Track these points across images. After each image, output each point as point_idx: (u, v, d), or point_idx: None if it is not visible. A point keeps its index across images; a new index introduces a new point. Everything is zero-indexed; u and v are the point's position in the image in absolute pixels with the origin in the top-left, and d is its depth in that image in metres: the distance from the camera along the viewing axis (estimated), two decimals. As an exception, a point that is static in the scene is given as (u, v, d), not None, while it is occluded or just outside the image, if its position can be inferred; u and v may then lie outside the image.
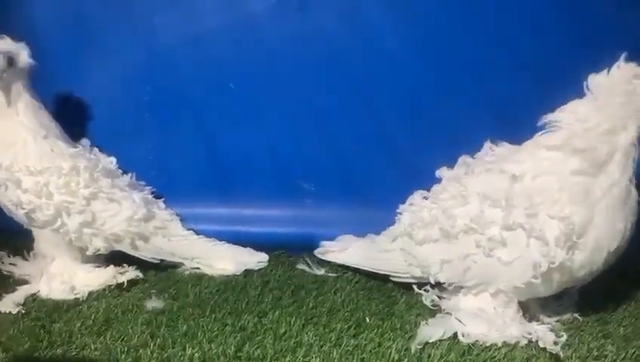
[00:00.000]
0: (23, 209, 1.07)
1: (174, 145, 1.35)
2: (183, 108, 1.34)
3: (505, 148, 1.04)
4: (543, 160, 0.94)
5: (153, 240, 1.17)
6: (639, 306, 1.08)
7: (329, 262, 1.23)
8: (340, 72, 1.28)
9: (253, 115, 1.32)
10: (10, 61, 1.05)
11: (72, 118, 1.26)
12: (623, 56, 0.91)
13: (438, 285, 1.03)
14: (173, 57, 1.30)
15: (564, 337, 0.93)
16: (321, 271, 1.22)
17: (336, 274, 1.20)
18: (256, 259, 1.23)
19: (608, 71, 0.91)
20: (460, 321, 0.95)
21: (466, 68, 1.26)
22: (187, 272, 1.20)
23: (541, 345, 0.89)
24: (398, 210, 1.13)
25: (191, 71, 1.31)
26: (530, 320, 0.99)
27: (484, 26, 1.24)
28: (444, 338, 0.93)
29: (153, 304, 1.05)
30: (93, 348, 0.89)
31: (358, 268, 1.19)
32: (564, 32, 1.23)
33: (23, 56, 1.07)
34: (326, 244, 1.24)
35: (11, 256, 1.19)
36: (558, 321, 1.01)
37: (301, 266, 1.24)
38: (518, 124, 1.05)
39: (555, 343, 0.91)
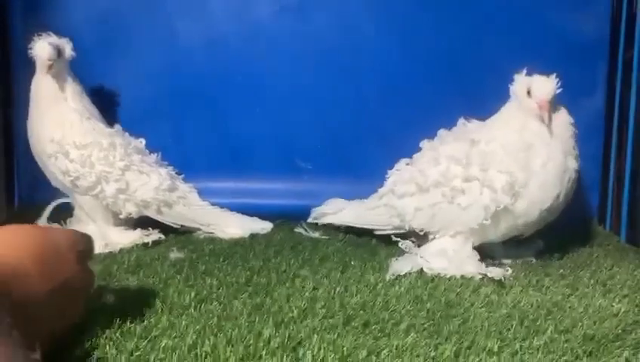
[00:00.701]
0: (69, 176, 1.29)
1: (191, 129, 1.57)
2: (198, 97, 1.57)
3: (474, 123, 1.28)
4: (494, 132, 1.19)
5: (176, 208, 1.38)
6: (578, 255, 1.29)
7: (322, 228, 1.44)
8: (332, 65, 1.54)
9: (258, 103, 1.56)
10: (59, 52, 1.28)
11: (102, 106, 1.48)
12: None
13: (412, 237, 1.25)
14: (189, 53, 1.54)
15: (510, 271, 1.14)
16: (316, 234, 1.43)
17: (328, 237, 1.41)
18: (261, 226, 1.45)
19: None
20: (425, 259, 1.16)
21: (441, 56, 1.52)
22: (202, 236, 1.41)
23: (489, 275, 1.10)
24: (386, 176, 1.35)
25: (205, 65, 1.55)
26: (492, 263, 1.20)
27: (457, 15, 1.51)
28: (412, 271, 1.14)
29: (176, 255, 1.25)
30: (130, 280, 1.09)
31: (348, 230, 1.40)
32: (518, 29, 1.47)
33: (68, 48, 1.30)
34: (320, 209, 1.45)
35: (50, 222, 1.39)
36: (513, 263, 1.22)
37: (298, 230, 1.45)
38: (485, 104, 1.28)
39: (503, 276, 1.12)
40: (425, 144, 1.30)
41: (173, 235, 1.40)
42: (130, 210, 1.33)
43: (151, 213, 1.36)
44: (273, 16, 1.52)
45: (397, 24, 1.51)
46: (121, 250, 1.29)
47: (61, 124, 1.29)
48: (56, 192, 1.44)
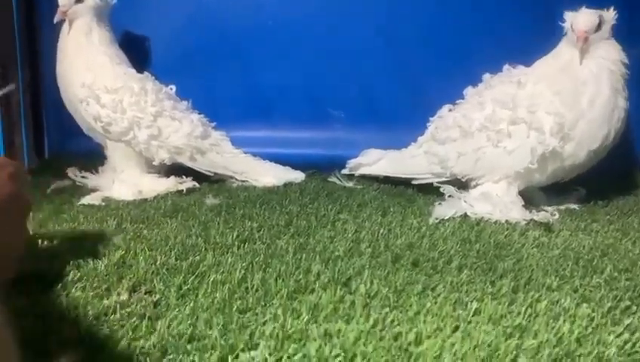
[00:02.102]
0: (101, 122, 1.26)
1: (221, 79, 1.54)
2: (229, 47, 1.53)
3: (520, 69, 1.23)
4: (542, 72, 1.14)
5: (209, 155, 1.35)
6: (624, 203, 1.25)
7: (355, 178, 1.41)
8: (365, 13, 1.47)
9: (289, 52, 1.51)
10: None
11: (131, 57, 1.45)
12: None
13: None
14: (220, 2, 1.48)
15: (557, 215, 1.10)
16: (350, 184, 1.40)
17: (362, 186, 1.38)
18: (294, 175, 1.42)
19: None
20: (469, 203, 1.12)
21: (479, 8, 1.44)
22: (235, 184, 1.39)
23: (535, 218, 1.07)
24: (420, 125, 1.31)
25: (236, 14, 1.50)
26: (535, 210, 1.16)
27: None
28: (456, 216, 1.11)
29: (211, 201, 1.23)
30: (168, 223, 1.07)
31: (382, 181, 1.37)
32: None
33: None
34: (356, 160, 1.42)
35: (83, 171, 1.38)
36: (557, 210, 1.19)
37: (332, 180, 1.42)
38: (522, 53, 1.23)
39: (550, 220, 1.08)
40: (469, 90, 1.26)
41: (207, 183, 1.37)
42: (163, 156, 1.30)
43: (184, 160, 1.33)
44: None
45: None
46: (155, 197, 1.27)
47: (91, 69, 1.26)
48: (86, 141, 1.43)
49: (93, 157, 1.39)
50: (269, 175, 1.40)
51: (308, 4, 1.50)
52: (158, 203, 1.22)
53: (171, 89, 1.39)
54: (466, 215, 1.12)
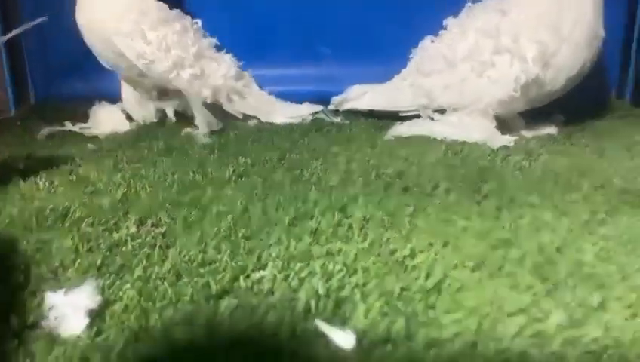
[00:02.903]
0: (144, 60, 1.23)
1: (211, 14, 1.51)
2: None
3: None
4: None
5: (243, 96, 1.37)
6: (599, 127, 1.31)
7: (342, 113, 1.43)
8: None
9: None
10: None
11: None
12: None
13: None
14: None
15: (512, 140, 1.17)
16: (337, 119, 1.43)
17: (349, 121, 1.41)
18: (313, 109, 1.43)
19: None
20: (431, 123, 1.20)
21: None
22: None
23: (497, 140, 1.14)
24: (409, 56, 1.33)
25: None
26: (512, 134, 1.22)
27: None
28: (415, 134, 1.20)
29: (203, 140, 1.26)
30: (164, 162, 1.10)
31: (368, 115, 1.40)
32: None
33: None
34: (340, 96, 1.44)
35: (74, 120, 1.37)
36: (535, 136, 1.24)
37: (319, 116, 1.44)
38: None
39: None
40: (450, 20, 1.27)
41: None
42: (206, 94, 1.30)
43: (222, 100, 1.34)
44: None
45: None
46: (148, 136, 1.28)
47: (135, 4, 1.21)
48: (70, 85, 1.43)
49: (78, 100, 1.40)
50: (289, 113, 1.41)
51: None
52: (150, 143, 1.24)
53: (198, 24, 1.35)
54: (450, 143, 1.16)
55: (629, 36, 1.49)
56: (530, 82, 1.13)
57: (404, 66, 1.38)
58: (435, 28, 1.33)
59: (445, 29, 1.27)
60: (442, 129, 1.20)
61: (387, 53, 1.48)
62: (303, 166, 1.05)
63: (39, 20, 1.11)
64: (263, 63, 1.49)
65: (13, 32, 1.13)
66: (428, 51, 1.26)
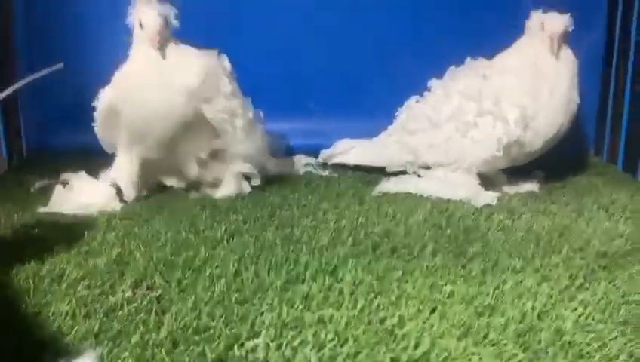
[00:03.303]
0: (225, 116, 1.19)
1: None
2: (207, 35, 1.55)
3: (481, 61, 1.31)
4: (507, 64, 1.25)
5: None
6: (578, 184, 1.36)
7: (330, 166, 1.48)
8: (342, 4, 1.54)
9: (267, 41, 1.56)
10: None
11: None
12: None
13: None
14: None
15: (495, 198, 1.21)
16: (326, 173, 1.47)
17: (338, 174, 1.45)
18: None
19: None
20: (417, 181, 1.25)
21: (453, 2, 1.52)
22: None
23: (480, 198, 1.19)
24: (395, 113, 1.39)
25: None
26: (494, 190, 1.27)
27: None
28: (401, 191, 1.25)
29: (193, 195, 1.28)
30: (156, 219, 1.12)
31: (356, 168, 1.44)
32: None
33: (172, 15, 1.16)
34: (328, 150, 1.48)
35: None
36: (516, 192, 1.29)
37: (308, 169, 1.48)
38: (488, 43, 1.32)
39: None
40: (434, 82, 1.34)
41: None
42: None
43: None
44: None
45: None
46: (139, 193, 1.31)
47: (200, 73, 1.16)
48: (63, 138, 1.46)
49: (71, 154, 1.43)
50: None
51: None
52: (140, 199, 1.26)
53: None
54: (437, 201, 1.21)
55: (604, 98, 1.56)
56: (511, 143, 1.19)
57: (391, 122, 1.43)
58: (419, 87, 1.39)
59: (429, 90, 1.33)
60: (428, 186, 1.25)
61: (374, 110, 1.54)
62: (294, 224, 1.08)
63: (56, 67, 1.09)
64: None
65: (31, 78, 1.11)
66: (413, 110, 1.32)
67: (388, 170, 1.38)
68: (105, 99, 1.19)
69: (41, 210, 1.15)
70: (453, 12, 1.54)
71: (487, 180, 1.31)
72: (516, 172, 1.34)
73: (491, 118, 1.19)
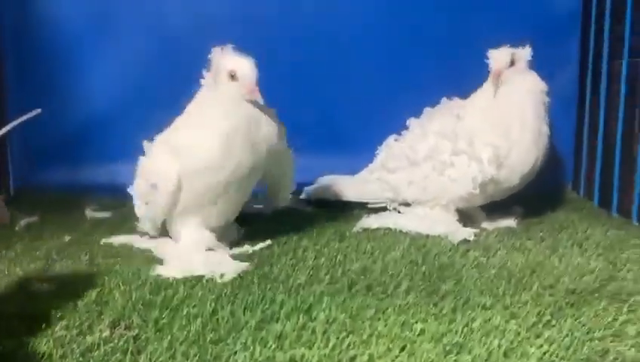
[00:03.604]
0: None
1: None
2: (188, 79, 1.60)
3: (456, 101, 1.36)
4: (477, 106, 1.30)
5: None
6: (556, 220, 1.39)
7: (313, 202, 1.50)
8: (321, 44, 1.61)
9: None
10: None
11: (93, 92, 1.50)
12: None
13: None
14: (178, 35, 1.57)
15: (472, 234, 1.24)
16: (309, 208, 1.50)
17: (320, 210, 1.48)
18: None
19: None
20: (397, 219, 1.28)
21: (423, 36, 1.60)
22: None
23: (458, 234, 1.22)
24: (375, 152, 1.43)
25: (195, 45, 1.57)
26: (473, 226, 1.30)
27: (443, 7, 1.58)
28: (381, 227, 1.28)
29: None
30: (138, 257, 1.14)
31: (338, 204, 1.47)
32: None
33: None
34: (312, 187, 1.51)
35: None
36: (495, 228, 1.31)
37: (293, 206, 1.51)
38: (466, 80, 1.37)
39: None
40: (412, 122, 1.38)
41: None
42: None
43: None
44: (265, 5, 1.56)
45: (382, 6, 1.57)
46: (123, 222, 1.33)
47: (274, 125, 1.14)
48: (51, 175, 1.48)
49: (57, 190, 1.45)
50: None
51: (269, 33, 1.59)
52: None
53: None
54: (414, 237, 1.23)
55: (580, 134, 1.61)
56: (487, 181, 1.22)
57: (372, 159, 1.46)
58: (399, 125, 1.43)
59: (407, 128, 1.37)
60: (407, 222, 1.28)
61: (356, 147, 1.58)
62: (273, 262, 1.10)
63: (33, 114, 1.12)
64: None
65: (8, 127, 1.14)
66: (392, 149, 1.36)
67: (369, 206, 1.41)
68: (172, 175, 1.06)
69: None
70: (430, 52, 1.58)
71: (466, 216, 1.34)
72: (495, 208, 1.37)
73: (466, 158, 1.23)
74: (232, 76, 1.06)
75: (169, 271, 1.03)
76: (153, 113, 1.52)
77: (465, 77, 1.40)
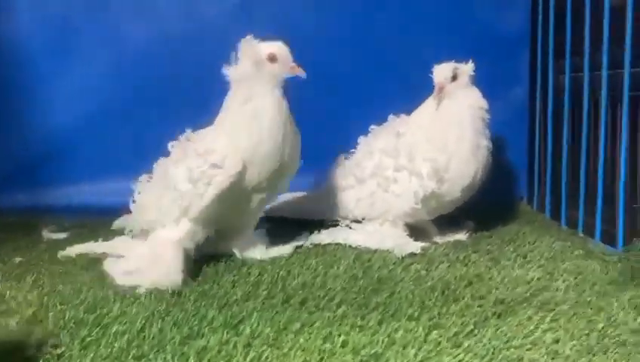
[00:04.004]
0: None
1: (143, 132, 1.63)
2: (147, 100, 1.63)
3: (401, 118, 1.38)
4: (417, 122, 1.33)
5: None
6: (507, 233, 1.40)
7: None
8: None
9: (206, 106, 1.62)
10: None
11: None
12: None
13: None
14: (138, 55, 1.59)
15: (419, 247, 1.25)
16: (265, 226, 1.50)
17: (268, 226, 1.44)
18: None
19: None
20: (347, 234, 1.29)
21: (373, 51, 1.63)
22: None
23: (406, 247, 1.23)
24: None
25: (155, 67, 1.61)
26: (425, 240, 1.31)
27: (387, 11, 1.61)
28: (332, 243, 1.30)
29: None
30: (84, 276, 1.15)
31: (291, 221, 1.48)
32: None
33: None
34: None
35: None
36: (445, 242, 1.33)
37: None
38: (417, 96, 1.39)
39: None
40: (361, 139, 1.41)
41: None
42: None
43: None
44: (221, 18, 1.58)
45: (332, 24, 1.61)
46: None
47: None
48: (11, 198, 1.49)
49: (18, 215, 1.46)
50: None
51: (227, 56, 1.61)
52: (75, 257, 1.29)
53: None
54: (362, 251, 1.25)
55: (532, 150, 1.63)
56: (428, 195, 1.24)
57: (325, 177, 1.48)
58: (351, 144, 1.45)
59: (356, 147, 1.40)
60: (358, 237, 1.29)
61: (311, 165, 1.59)
62: (216, 279, 1.11)
63: None
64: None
65: None
66: (342, 168, 1.38)
67: (324, 222, 1.42)
68: (237, 157, 1.11)
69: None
70: (384, 71, 1.61)
71: (418, 231, 1.35)
72: (448, 222, 1.38)
73: (407, 173, 1.25)
74: (272, 59, 1.13)
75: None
76: (111, 134, 1.56)
77: (418, 95, 1.42)
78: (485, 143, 1.29)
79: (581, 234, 1.34)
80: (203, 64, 1.58)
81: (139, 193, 1.27)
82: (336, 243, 1.31)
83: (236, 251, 1.23)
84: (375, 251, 1.26)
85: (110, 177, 1.58)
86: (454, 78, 1.30)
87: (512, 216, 1.53)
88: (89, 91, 1.61)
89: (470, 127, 1.27)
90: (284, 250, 1.25)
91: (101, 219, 1.43)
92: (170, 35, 1.60)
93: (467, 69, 1.30)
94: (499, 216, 1.50)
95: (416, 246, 1.25)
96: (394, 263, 1.18)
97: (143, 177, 1.29)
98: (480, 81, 1.35)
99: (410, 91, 1.51)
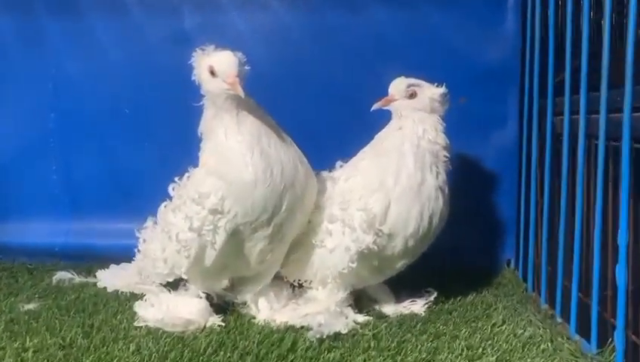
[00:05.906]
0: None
1: (78, 167, 1.48)
2: (85, 133, 1.49)
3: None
4: (354, 165, 1.10)
5: None
6: (476, 307, 1.17)
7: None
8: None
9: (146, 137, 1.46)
10: None
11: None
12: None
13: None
14: (75, 87, 1.45)
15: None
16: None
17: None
18: None
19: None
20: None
21: (338, 88, 1.41)
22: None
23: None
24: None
25: (91, 99, 1.47)
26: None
27: (353, 45, 1.41)
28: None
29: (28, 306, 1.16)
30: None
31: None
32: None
33: None
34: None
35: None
36: (398, 315, 1.11)
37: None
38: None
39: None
40: None
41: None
42: None
43: None
44: (161, 48, 1.43)
45: (289, 57, 1.41)
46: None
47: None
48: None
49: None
50: None
51: (167, 85, 1.44)
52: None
53: None
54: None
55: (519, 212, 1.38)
56: (364, 251, 1.01)
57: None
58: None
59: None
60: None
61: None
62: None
63: None
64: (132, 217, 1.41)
65: None
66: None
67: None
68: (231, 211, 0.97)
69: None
70: (345, 102, 1.40)
71: (371, 299, 1.15)
72: (412, 291, 1.17)
73: (340, 224, 1.03)
74: (212, 72, 0.96)
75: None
76: (44, 168, 1.42)
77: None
78: (433, 181, 1.03)
79: (559, 319, 1.08)
80: (144, 97, 1.45)
81: (144, 241, 1.15)
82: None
83: None
84: (300, 328, 1.03)
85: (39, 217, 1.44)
86: (412, 95, 1.06)
87: (488, 286, 1.28)
88: (22, 126, 1.48)
89: (412, 160, 1.02)
90: None
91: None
92: (110, 67, 1.44)
93: (430, 91, 1.06)
94: (475, 284, 1.26)
95: (345, 325, 1.02)
96: (307, 348, 0.96)
97: (149, 222, 1.17)
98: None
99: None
